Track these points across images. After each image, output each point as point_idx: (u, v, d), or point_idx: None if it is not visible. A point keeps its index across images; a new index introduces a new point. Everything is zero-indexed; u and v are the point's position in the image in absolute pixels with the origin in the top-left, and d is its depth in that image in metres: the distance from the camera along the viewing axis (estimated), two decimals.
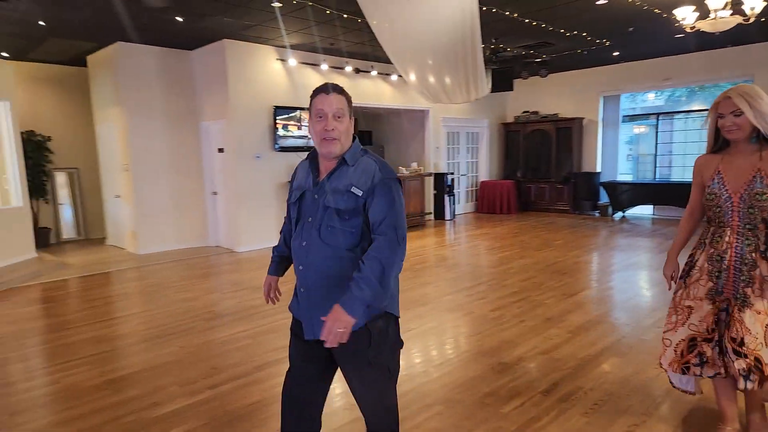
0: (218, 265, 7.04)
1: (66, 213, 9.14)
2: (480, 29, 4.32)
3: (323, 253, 1.75)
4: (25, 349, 4.02)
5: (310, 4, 5.62)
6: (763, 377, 2.08)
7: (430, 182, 10.46)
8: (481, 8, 4.37)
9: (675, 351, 2.34)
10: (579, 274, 5.98)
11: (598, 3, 6.04)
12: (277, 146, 7.92)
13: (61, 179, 9.00)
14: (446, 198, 10.54)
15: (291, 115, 8.02)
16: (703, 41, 8.06)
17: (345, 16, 6.04)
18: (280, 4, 5.69)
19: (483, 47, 5.12)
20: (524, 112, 11.76)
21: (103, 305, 5.23)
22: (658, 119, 10.86)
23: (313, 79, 8.33)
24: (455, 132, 11.46)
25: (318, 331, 1.70)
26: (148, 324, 4.44)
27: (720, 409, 2.39)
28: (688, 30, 5.73)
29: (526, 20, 6.59)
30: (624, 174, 11.56)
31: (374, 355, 1.78)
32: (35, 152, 8.28)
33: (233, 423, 2.73)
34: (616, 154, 11.15)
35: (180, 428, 2.69)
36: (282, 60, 7.89)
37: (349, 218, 1.73)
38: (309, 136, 8.36)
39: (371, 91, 9.24)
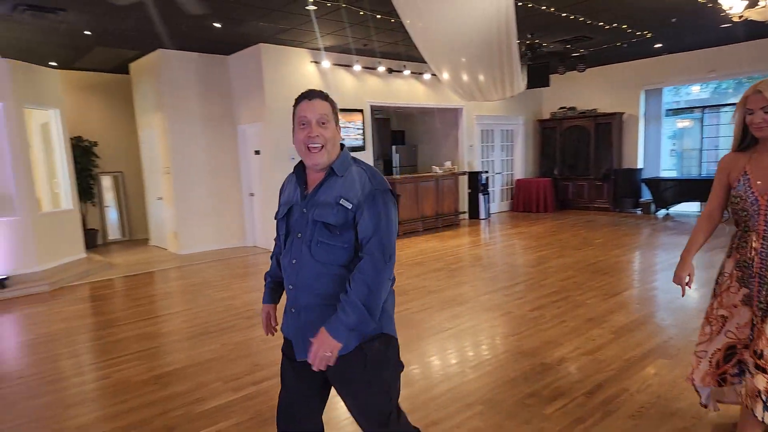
0: (256, 265, 7.18)
1: (112, 215, 9.52)
2: (516, 25, 4.25)
3: (315, 271, 1.64)
4: (77, 345, 4.20)
5: (344, 5, 5.67)
6: None
7: (464, 181, 10.37)
8: (516, 3, 4.31)
9: (710, 362, 2.21)
10: (621, 273, 5.80)
11: None
12: None
13: (106, 183, 9.38)
14: (481, 197, 10.43)
15: None
16: (751, 31, 7.70)
17: (378, 16, 6.06)
18: (315, 7, 5.76)
19: (518, 43, 5.03)
20: (561, 108, 11.51)
21: (147, 303, 5.41)
22: (703, 113, 10.43)
23: (347, 80, 8.39)
24: (489, 130, 11.32)
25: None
26: (190, 322, 4.57)
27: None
28: (735, 19, 5.48)
29: (563, 14, 6.44)
30: (667, 170, 11.14)
31: (371, 379, 1.67)
32: (83, 157, 8.65)
33: None
34: (659, 150, 10.76)
35: (227, 423, 2.76)
36: (316, 62, 7.98)
37: (340, 233, 1.62)
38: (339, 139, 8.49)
39: (404, 90, 9.24)
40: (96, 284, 6.29)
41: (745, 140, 2.12)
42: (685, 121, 11.34)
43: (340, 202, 1.61)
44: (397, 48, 7.91)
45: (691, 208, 10.12)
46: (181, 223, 7.97)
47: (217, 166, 8.25)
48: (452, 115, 10.48)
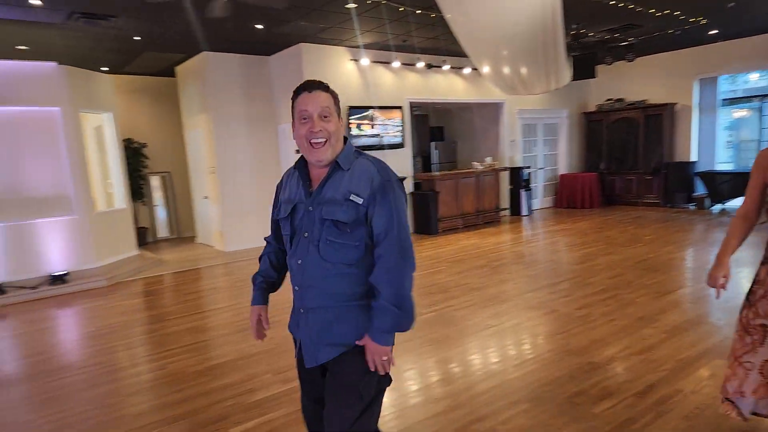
0: None
1: (160, 214, 9.91)
2: (562, 15, 4.14)
3: (323, 272, 1.56)
4: (133, 338, 4.41)
5: (384, 2, 5.67)
6: None
7: (505, 177, 10.20)
8: None
9: (761, 372, 2.09)
10: (673, 271, 5.57)
11: None
12: None
13: (155, 182, 9.78)
14: (522, 193, 10.23)
15: (364, 114, 8.14)
16: None
17: (418, 11, 6.04)
18: (355, 5, 5.79)
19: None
20: (608, 99, 11.13)
21: (196, 299, 5.61)
22: (762, 102, 9.86)
23: (386, 77, 8.40)
24: (532, 124, 11.08)
25: (321, 356, 1.60)
26: (238, 316, 4.71)
27: None
28: None
29: (611, 2, 6.22)
30: (723, 162, 10.59)
31: (356, 381, 1.59)
32: (133, 158, 9.03)
33: None
34: (713, 142, 10.24)
35: (276, 413, 2.84)
36: (355, 60, 8.03)
37: (350, 231, 1.54)
38: (377, 134, 8.53)
39: (443, 86, 9.17)
40: (148, 280, 6.57)
41: None
42: (743, 111, 10.73)
43: (350, 198, 1.53)
44: (437, 43, 7.86)
45: None
46: (226, 222, 8.21)
47: (260, 165, 8.44)
48: (493, 109, 10.32)
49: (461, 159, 10.98)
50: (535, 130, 11.17)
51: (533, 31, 4.20)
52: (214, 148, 8.05)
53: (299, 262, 1.59)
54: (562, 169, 11.61)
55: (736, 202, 9.56)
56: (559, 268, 5.95)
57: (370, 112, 8.17)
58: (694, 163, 10.09)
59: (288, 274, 1.77)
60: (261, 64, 8.29)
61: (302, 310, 1.64)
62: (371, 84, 8.18)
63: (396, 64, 8.35)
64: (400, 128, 8.62)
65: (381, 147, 8.36)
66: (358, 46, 7.92)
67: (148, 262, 7.42)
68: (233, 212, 8.23)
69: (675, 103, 10.18)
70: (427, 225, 8.76)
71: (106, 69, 8.40)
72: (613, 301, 4.51)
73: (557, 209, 11.14)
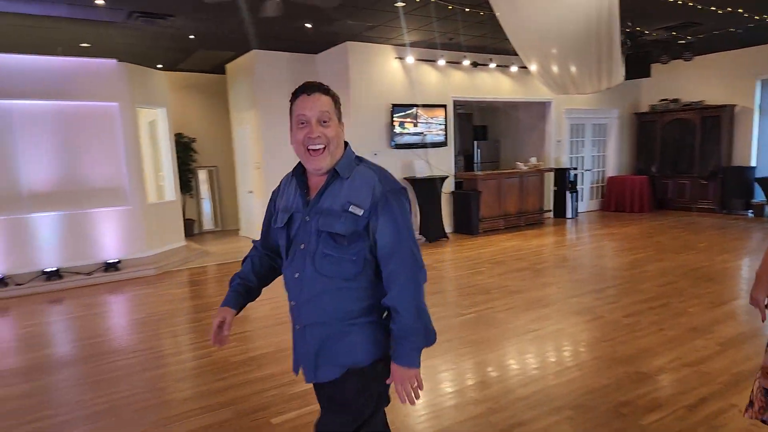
0: None
1: (206, 206, 10.23)
2: (618, 13, 4.00)
3: (319, 287, 1.48)
4: (180, 326, 4.57)
5: (433, 0, 5.64)
6: None
7: (549, 178, 9.96)
8: None
9: None
10: (729, 281, 5.30)
11: None
12: (393, 143, 8.08)
13: (202, 176, 10.10)
14: (568, 195, 9.97)
15: (407, 112, 8.13)
16: None
17: (467, 9, 5.97)
18: (404, 3, 5.79)
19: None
20: (662, 100, 10.68)
21: None
22: None
23: (431, 75, 8.36)
24: (580, 124, 10.76)
25: (321, 375, 1.54)
26: (279, 309, 4.79)
27: None
28: None
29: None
30: None
31: (351, 401, 1.52)
32: (183, 152, 9.36)
33: None
34: None
35: (317, 405, 2.86)
36: (400, 58, 8.02)
37: (348, 244, 1.45)
38: (420, 133, 8.49)
39: (489, 84, 9.04)
40: (194, 270, 6.80)
41: None
42: None
43: (350, 209, 1.44)
44: (484, 41, 7.75)
45: None
46: None
47: None
48: (539, 109, 10.09)
49: (504, 158, 10.81)
50: (582, 130, 10.85)
51: (588, 29, 4.07)
52: (261, 143, 8.23)
53: (296, 275, 1.51)
54: (611, 171, 11.23)
55: None
56: (605, 274, 5.77)
57: (413, 110, 8.15)
58: (753, 168, 9.55)
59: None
60: (308, 62, 8.41)
61: (298, 327, 1.57)
62: (416, 82, 8.16)
63: (441, 62, 8.29)
64: (443, 127, 8.55)
65: (423, 145, 8.33)
66: (403, 45, 7.91)
67: (194, 253, 7.67)
68: None
69: (734, 105, 9.66)
70: (467, 225, 8.66)
71: (161, 66, 8.73)
72: (663, 310, 4.33)
73: (604, 212, 10.79)
